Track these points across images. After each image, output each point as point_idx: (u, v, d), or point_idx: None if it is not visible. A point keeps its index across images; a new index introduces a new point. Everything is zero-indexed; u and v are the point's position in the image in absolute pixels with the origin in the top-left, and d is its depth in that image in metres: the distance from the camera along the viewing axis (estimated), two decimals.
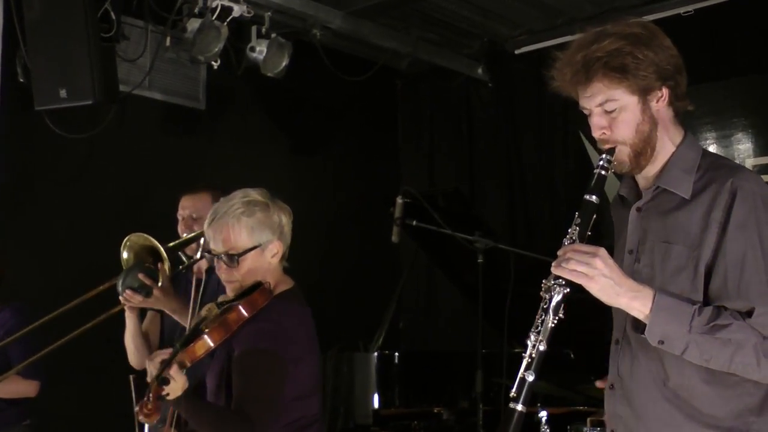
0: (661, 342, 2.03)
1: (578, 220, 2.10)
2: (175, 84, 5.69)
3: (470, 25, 6.35)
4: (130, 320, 3.69)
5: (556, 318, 2.05)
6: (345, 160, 6.77)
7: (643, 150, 2.14)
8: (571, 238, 2.08)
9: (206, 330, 2.58)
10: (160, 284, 3.49)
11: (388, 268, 6.51)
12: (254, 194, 2.76)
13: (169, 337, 3.83)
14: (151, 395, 2.45)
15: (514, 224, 6.58)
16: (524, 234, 6.49)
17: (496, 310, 4.34)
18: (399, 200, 4.56)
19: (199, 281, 3.01)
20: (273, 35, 5.54)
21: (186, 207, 3.83)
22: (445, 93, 7.05)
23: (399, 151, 7.33)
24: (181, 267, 3.76)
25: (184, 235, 3.78)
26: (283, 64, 5.62)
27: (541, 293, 2.09)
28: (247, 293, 2.70)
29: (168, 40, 5.35)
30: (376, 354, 4.96)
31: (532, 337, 2.06)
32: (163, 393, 2.46)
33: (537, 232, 6.41)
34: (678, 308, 2.02)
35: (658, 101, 2.13)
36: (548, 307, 2.05)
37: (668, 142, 2.18)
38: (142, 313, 3.80)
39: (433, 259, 5.68)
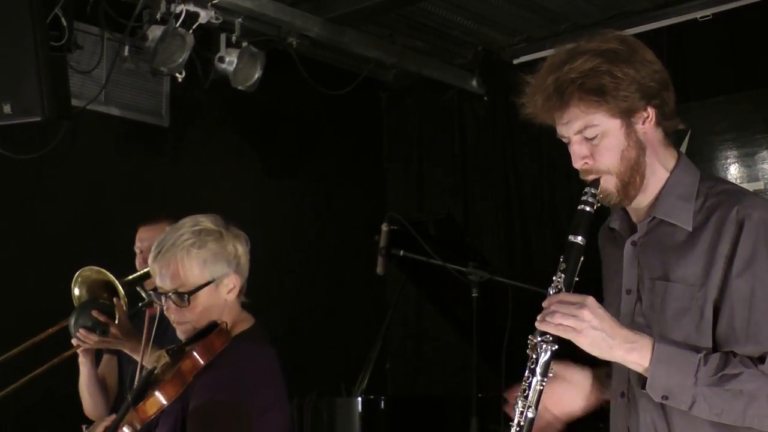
0: (665, 397, 2.02)
1: (563, 266, 2.08)
2: (134, 98, 5.68)
3: (463, 32, 6.37)
4: (84, 365, 3.68)
5: (545, 379, 2.04)
6: (324, 183, 6.76)
7: (631, 179, 2.12)
8: (557, 287, 2.06)
9: (158, 384, 2.52)
10: (117, 321, 3.47)
11: (372, 303, 6.50)
12: (205, 222, 2.69)
13: (130, 383, 3.80)
14: None
15: (512, 254, 6.57)
16: (523, 265, 6.49)
17: (493, 349, 4.32)
18: (384, 228, 4.56)
19: (152, 317, 2.99)
20: (244, 44, 5.54)
21: (144, 239, 3.86)
22: (436, 107, 7.06)
23: (384, 172, 7.33)
24: (141, 304, 3.75)
25: (142, 269, 3.78)
26: (256, 76, 5.63)
27: (527, 351, 2.07)
28: (201, 336, 2.63)
29: (126, 49, 5.33)
30: (359, 399, 4.92)
31: (520, 403, 2.05)
32: None
33: (537, 263, 6.41)
34: (681, 358, 2.00)
35: (644, 123, 2.11)
36: (535, 368, 2.04)
37: (659, 168, 2.16)
38: (97, 356, 3.78)
39: (423, 292, 5.67)
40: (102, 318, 3.48)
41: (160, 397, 2.49)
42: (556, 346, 2.03)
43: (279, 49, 5.86)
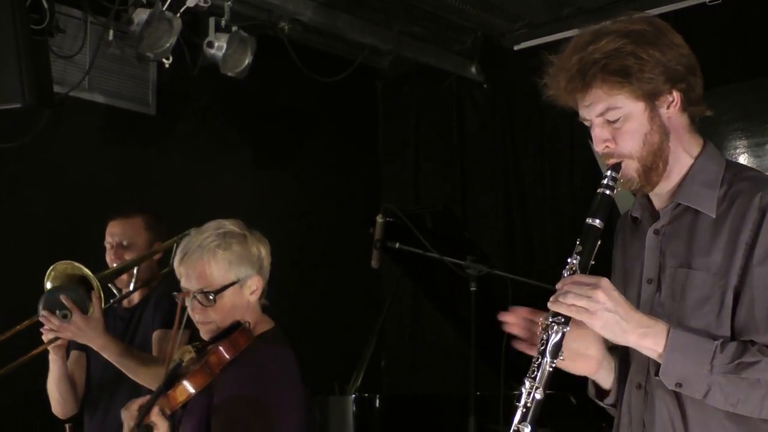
0: (679, 385, 2.03)
1: (579, 248, 2.09)
2: (119, 85, 5.66)
3: (462, 17, 6.36)
4: (54, 363, 3.68)
5: (555, 361, 2.05)
6: (317, 174, 6.76)
7: (654, 164, 2.14)
8: (572, 269, 2.07)
9: (186, 374, 2.68)
10: (90, 314, 3.47)
11: (367, 298, 6.49)
12: (229, 225, 2.86)
13: (97, 381, 3.80)
14: None
15: (512, 248, 6.58)
16: (524, 259, 6.49)
17: (492, 346, 4.30)
18: (379, 219, 4.56)
19: (183, 308, 3.05)
20: (234, 29, 5.52)
21: (115, 233, 3.88)
22: (433, 96, 7.06)
23: (380, 162, 7.34)
24: (111, 301, 3.76)
25: (114, 265, 3.77)
26: (246, 62, 5.62)
27: (537, 332, 2.08)
28: (224, 335, 2.78)
29: (111, 33, 5.30)
30: (353, 397, 4.92)
31: (527, 384, 2.06)
32: None
33: (538, 257, 6.42)
34: (697, 345, 2.01)
35: (668, 107, 2.13)
36: (545, 349, 2.05)
37: (684, 154, 2.18)
38: (67, 353, 3.77)
39: (419, 287, 5.67)
40: (67, 303, 3.46)
41: (188, 386, 2.66)
42: (568, 328, 2.04)
43: (270, 35, 5.85)
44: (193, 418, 2.76)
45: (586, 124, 2.18)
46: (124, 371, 3.57)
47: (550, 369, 2.04)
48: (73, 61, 5.29)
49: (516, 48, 6.51)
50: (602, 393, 2.33)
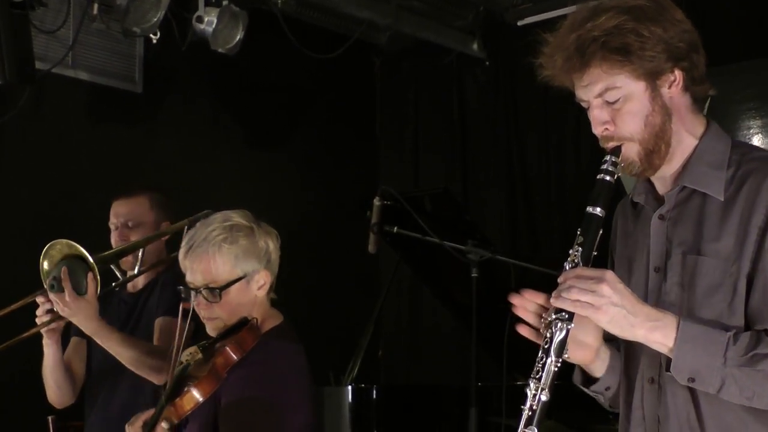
0: (692, 379, 2.01)
1: (581, 239, 2.07)
2: (104, 61, 5.64)
3: None
4: (48, 348, 3.66)
5: (560, 360, 2.04)
6: (312, 155, 6.76)
7: (656, 147, 2.12)
8: (573, 261, 2.06)
9: (193, 381, 2.69)
10: (86, 296, 3.45)
11: (363, 284, 6.50)
12: (236, 217, 2.87)
13: (97, 370, 3.78)
14: None
15: (514, 232, 6.59)
16: (527, 244, 6.50)
17: (494, 335, 4.30)
18: (376, 202, 4.56)
19: (186, 311, 3.02)
20: (225, 2, 5.51)
21: (120, 213, 3.85)
22: (433, 73, 7.05)
23: (377, 143, 7.34)
24: (114, 284, 3.72)
25: (120, 246, 3.75)
26: (237, 38, 5.62)
27: (540, 330, 2.07)
28: (231, 332, 2.80)
29: (95, 7, 5.29)
30: (349, 388, 4.93)
31: (532, 385, 2.04)
32: None
33: (543, 242, 6.42)
34: (708, 337, 2.00)
35: (670, 86, 2.11)
36: (549, 348, 2.03)
37: (687, 135, 2.16)
38: (64, 339, 3.75)
39: (418, 273, 5.67)
40: (64, 276, 3.43)
41: (196, 394, 2.67)
42: (572, 325, 2.02)
43: (262, 9, 5.84)
44: (199, 418, 2.77)
45: (584, 105, 2.17)
46: (118, 358, 3.54)
47: (556, 369, 2.03)
48: (56, 36, 5.27)
49: (519, 23, 6.49)
50: (590, 380, 2.31)
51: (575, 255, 2.06)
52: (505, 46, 6.67)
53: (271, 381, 2.74)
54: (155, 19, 5.20)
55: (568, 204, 6.29)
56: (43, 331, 3.59)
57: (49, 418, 3.88)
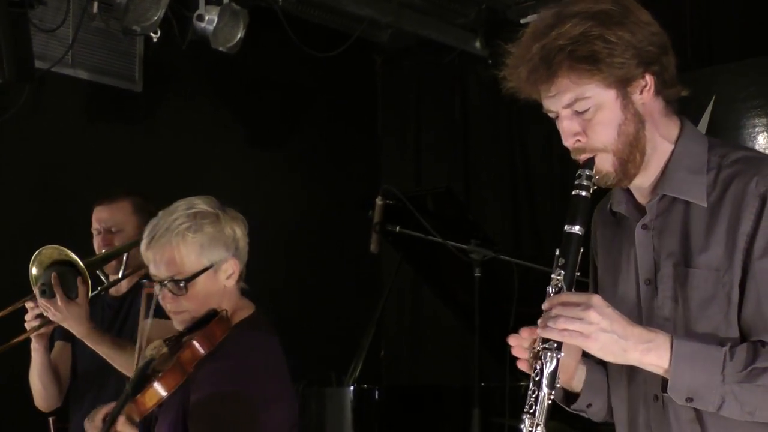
0: (690, 399, 1.96)
1: (561, 261, 2.01)
2: (104, 60, 5.63)
3: None
4: (37, 352, 3.68)
5: (553, 392, 1.99)
6: (313, 154, 6.75)
7: (631, 156, 2.05)
8: (557, 285, 2.00)
9: (157, 375, 2.59)
10: (77, 300, 3.47)
11: (365, 284, 6.50)
12: (201, 204, 2.75)
13: (84, 373, 3.80)
14: None
15: (517, 232, 6.58)
16: (530, 244, 6.49)
17: (497, 335, 4.29)
18: (379, 202, 4.57)
19: (149, 297, 3.01)
20: (225, 1, 5.51)
21: (102, 219, 3.88)
22: (435, 72, 7.04)
23: (379, 142, 7.32)
24: (99, 288, 3.75)
25: (102, 251, 3.76)
26: (238, 36, 5.61)
27: (528, 360, 2.02)
28: (200, 325, 2.70)
29: (95, 5, 5.29)
30: (351, 389, 4.93)
31: (527, 422, 1.99)
32: None
33: (546, 241, 6.40)
34: (704, 354, 1.94)
35: (642, 92, 2.04)
36: (540, 380, 1.98)
37: (662, 141, 2.10)
38: (51, 343, 3.77)
39: (420, 273, 5.67)
40: (54, 282, 3.45)
41: (159, 389, 2.57)
42: (562, 354, 1.97)
43: (263, 7, 5.84)
44: (168, 416, 2.69)
45: (552, 116, 2.10)
46: (109, 362, 3.56)
47: (549, 401, 1.98)
48: (55, 34, 5.27)
49: (523, 21, 6.46)
50: (570, 397, 2.26)
51: (558, 279, 2.00)
52: (507, 44, 6.64)
53: (243, 374, 2.63)
54: (155, 18, 5.20)
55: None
56: (32, 335, 3.60)
57: (50, 419, 3.90)
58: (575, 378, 2.20)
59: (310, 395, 5.04)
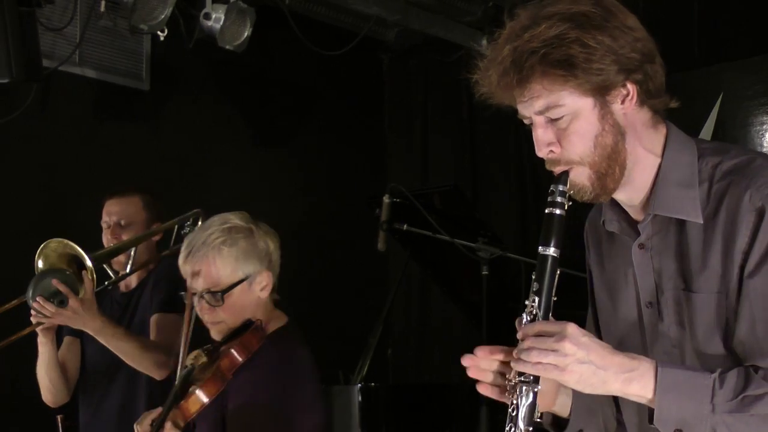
0: (679, 431, 1.83)
1: (536, 286, 1.90)
2: (111, 59, 5.63)
3: None
4: (44, 346, 3.68)
5: (531, 427, 1.88)
6: (320, 153, 6.74)
7: (608, 170, 1.93)
8: (531, 313, 1.89)
9: (199, 383, 2.71)
10: (81, 296, 3.46)
11: (372, 282, 6.49)
12: (234, 219, 2.88)
13: (93, 368, 3.80)
14: None
15: (525, 230, 6.57)
16: (537, 242, 6.46)
17: (504, 333, 4.29)
18: (386, 200, 4.57)
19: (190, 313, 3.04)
20: None
21: (113, 212, 3.89)
22: (442, 70, 7.02)
23: (386, 141, 7.32)
24: (106, 283, 3.76)
25: (111, 245, 3.78)
26: (245, 34, 5.61)
27: (506, 394, 1.92)
28: (236, 335, 2.83)
29: (102, 4, 5.29)
30: (359, 387, 4.92)
31: None
32: None
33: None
34: (692, 382, 1.83)
35: (623, 101, 1.91)
36: (517, 415, 1.88)
37: (646, 154, 1.97)
38: (58, 338, 3.77)
39: (428, 271, 5.66)
40: (62, 288, 3.46)
41: (201, 395, 2.69)
42: (539, 387, 1.87)
43: (270, 6, 5.83)
44: (205, 423, 2.80)
45: (527, 122, 1.96)
46: (120, 356, 3.57)
47: None
48: (63, 33, 5.27)
49: None
50: (560, 423, 2.13)
51: (532, 306, 1.89)
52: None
53: (277, 384, 2.76)
54: (162, 16, 5.20)
55: (579, 201, 6.26)
56: (38, 329, 3.61)
57: (58, 417, 3.90)
58: (557, 404, 2.07)
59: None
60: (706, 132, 5.50)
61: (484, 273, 4.34)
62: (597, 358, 1.81)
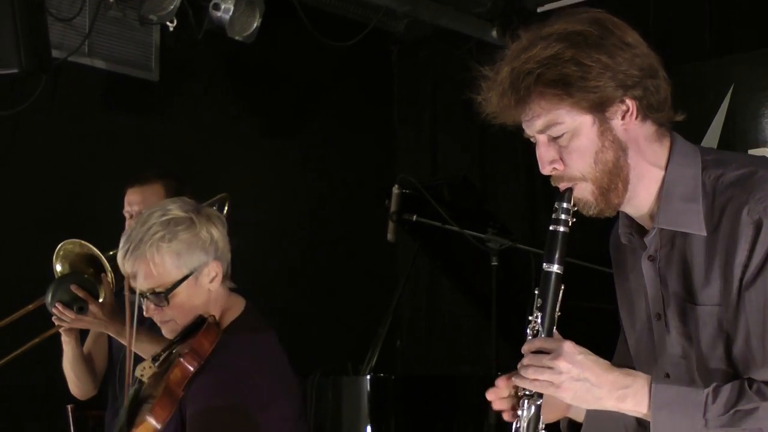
0: None
1: (539, 302, 1.95)
2: (120, 49, 5.65)
3: None
4: (68, 345, 3.66)
5: None
6: (328, 144, 6.74)
7: (611, 185, 1.95)
8: (534, 329, 1.95)
9: (150, 404, 2.54)
10: (101, 300, 3.44)
11: (382, 274, 6.50)
12: (174, 209, 2.66)
13: (118, 360, 3.79)
14: None
15: (534, 221, 6.56)
16: (546, 232, 6.46)
17: (514, 324, 4.29)
18: (395, 191, 4.56)
19: (132, 304, 2.97)
20: None
21: (134, 202, 3.81)
22: (451, 61, 7.00)
23: (395, 132, 7.31)
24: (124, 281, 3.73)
25: None
26: (254, 25, 5.60)
27: (510, 412, 1.99)
28: (189, 332, 2.66)
29: None
30: (368, 378, 4.92)
31: None
32: None
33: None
34: (685, 398, 1.87)
35: (623, 117, 1.93)
36: (520, 427, 1.95)
37: (650, 168, 1.98)
38: (83, 333, 3.76)
39: (437, 262, 5.66)
40: (81, 293, 3.43)
41: (152, 422, 2.50)
42: (541, 401, 1.94)
43: None
44: (168, 429, 2.61)
45: (532, 140, 2.00)
46: (142, 356, 3.55)
47: None
48: (72, 24, 5.28)
49: (540, 10, 6.45)
50: (574, 427, 2.19)
51: (535, 322, 1.95)
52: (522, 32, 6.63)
53: (235, 383, 2.57)
54: (172, 7, 5.20)
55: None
56: (61, 330, 3.60)
57: (68, 407, 3.91)
58: (571, 411, 2.14)
59: (327, 384, 5.04)
60: (717, 123, 5.49)
61: (493, 264, 4.33)
62: (592, 375, 1.87)
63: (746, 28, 5.54)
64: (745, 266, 1.87)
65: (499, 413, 3.56)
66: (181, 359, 2.56)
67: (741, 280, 1.88)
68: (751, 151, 5.44)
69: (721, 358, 1.93)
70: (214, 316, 2.68)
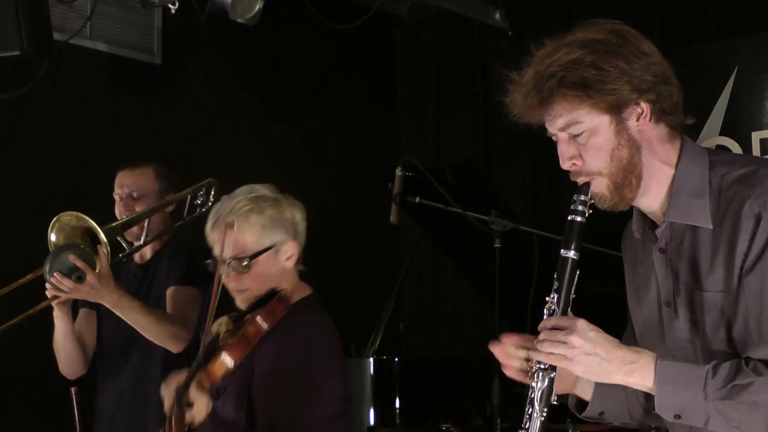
0: (678, 416, 2.05)
1: (556, 284, 2.12)
2: (122, 32, 5.65)
3: None
4: (59, 320, 3.69)
5: (546, 410, 2.10)
6: (332, 127, 6.74)
7: (625, 180, 2.13)
8: (551, 308, 2.11)
9: (224, 347, 2.73)
10: (98, 270, 3.47)
11: (385, 256, 6.52)
12: (261, 189, 2.93)
13: (110, 341, 3.81)
14: (173, 425, 2.62)
15: (538, 204, 6.57)
16: (550, 216, 6.48)
17: (517, 307, 4.31)
18: (398, 172, 4.56)
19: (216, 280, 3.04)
20: None
21: (125, 184, 3.88)
22: (455, 44, 7.01)
23: (398, 116, 7.31)
24: (120, 255, 3.76)
25: (124, 217, 3.77)
26: (257, 8, 5.58)
27: (527, 379, 2.13)
28: (261, 303, 2.86)
29: None
30: (371, 360, 4.95)
31: None
32: (187, 420, 2.64)
33: (566, 214, 6.36)
34: (687, 374, 2.03)
35: (638, 119, 2.11)
36: (534, 398, 2.10)
37: (662, 166, 2.16)
38: (74, 311, 3.78)
39: (440, 244, 5.67)
40: (79, 263, 3.47)
41: (227, 359, 2.70)
42: (554, 373, 2.09)
43: None
44: (232, 389, 2.83)
45: (554, 139, 2.17)
46: (137, 328, 3.57)
47: (542, 418, 2.09)
48: (74, 6, 5.28)
49: None
50: (581, 405, 2.35)
51: (552, 302, 2.10)
52: (528, 16, 6.63)
53: (301, 351, 2.80)
54: None
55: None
56: (54, 303, 3.62)
57: (72, 389, 3.93)
58: (578, 388, 2.31)
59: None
60: (721, 106, 5.48)
61: (496, 245, 4.33)
62: (602, 351, 2.04)
63: (750, 11, 5.53)
64: (746, 255, 2.04)
65: (503, 395, 3.63)
66: (257, 318, 2.77)
67: (741, 267, 2.04)
68: (754, 134, 5.44)
69: (723, 341, 2.08)
70: (285, 289, 2.89)
